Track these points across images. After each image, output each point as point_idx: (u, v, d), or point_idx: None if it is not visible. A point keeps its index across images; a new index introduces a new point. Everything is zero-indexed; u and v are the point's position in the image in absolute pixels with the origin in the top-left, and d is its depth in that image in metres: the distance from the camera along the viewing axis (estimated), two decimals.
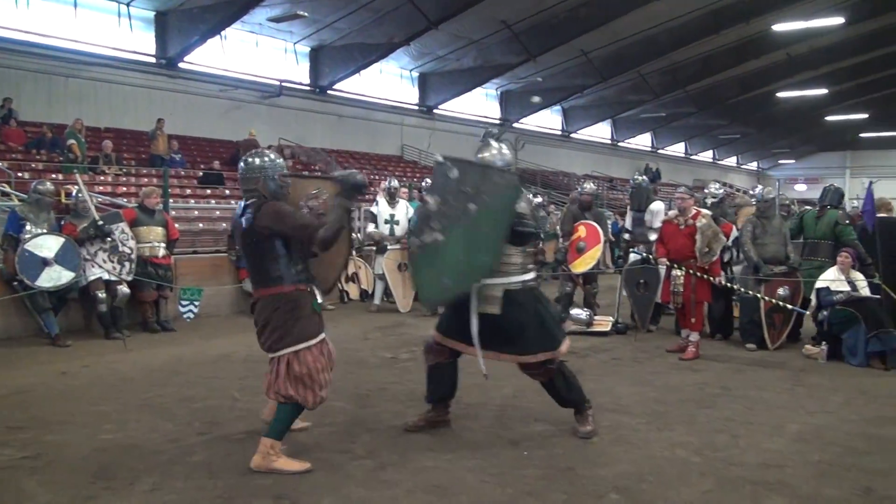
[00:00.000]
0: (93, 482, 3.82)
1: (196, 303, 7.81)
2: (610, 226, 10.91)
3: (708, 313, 7.86)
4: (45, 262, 7.37)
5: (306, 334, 3.99)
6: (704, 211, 7.65)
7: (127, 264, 8.03)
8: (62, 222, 8.10)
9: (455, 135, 24.85)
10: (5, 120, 15.04)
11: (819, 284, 7.27)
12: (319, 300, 4.12)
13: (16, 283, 7.45)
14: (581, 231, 8.63)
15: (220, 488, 3.74)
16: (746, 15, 22.36)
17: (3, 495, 3.69)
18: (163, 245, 8.51)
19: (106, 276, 7.90)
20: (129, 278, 8.03)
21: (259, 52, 20.84)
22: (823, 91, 30.37)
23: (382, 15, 19.28)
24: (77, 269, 7.61)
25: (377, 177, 18.42)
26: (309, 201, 4.33)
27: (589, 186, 9.55)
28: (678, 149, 40.11)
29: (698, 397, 5.67)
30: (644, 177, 10.16)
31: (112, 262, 7.95)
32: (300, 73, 21.80)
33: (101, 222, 7.85)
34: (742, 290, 7.60)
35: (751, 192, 11.80)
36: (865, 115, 35.55)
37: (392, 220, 9.92)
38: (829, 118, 36.83)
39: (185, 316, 7.81)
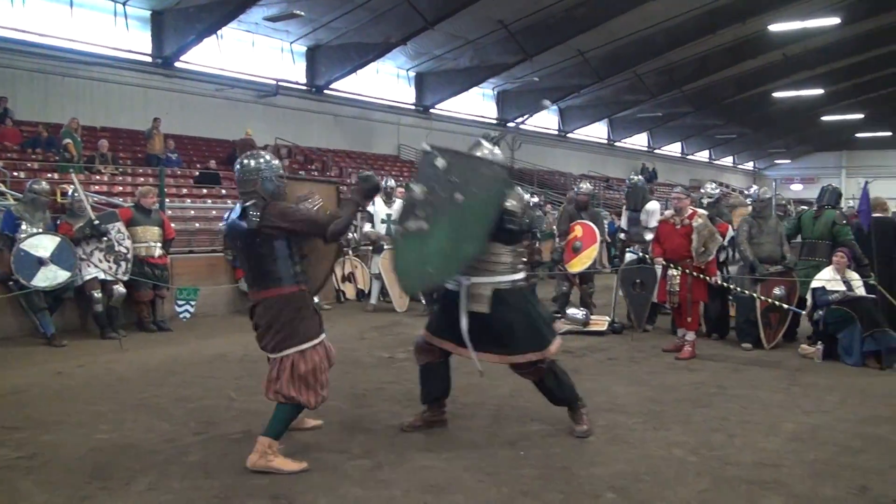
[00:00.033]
0: (89, 482, 3.82)
1: (192, 302, 7.80)
2: (606, 225, 10.94)
3: (704, 313, 7.86)
4: (40, 262, 7.35)
5: (311, 333, 4.03)
6: (701, 211, 7.66)
7: (123, 264, 8.01)
8: (58, 222, 8.09)
9: (452, 134, 24.81)
10: (1, 119, 15.01)
11: (815, 284, 7.28)
12: (316, 300, 4.13)
13: (11, 283, 7.44)
14: (577, 231, 8.65)
15: (217, 488, 3.74)
16: (743, 15, 22.39)
17: None
18: (159, 245, 8.50)
19: (102, 276, 7.89)
20: (126, 278, 8.02)
21: (255, 52, 20.81)
22: (819, 91, 30.43)
23: (379, 14, 19.26)
24: (73, 268, 7.59)
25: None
26: (300, 203, 4.35)
27: (585, 186, 9.58)
28: (675, 149, 40.16)
29: (694, 397, 5.68)
30: (640, 176, 10.18)
31: (108, 261, 7.94)
32: (297, 73, 21.78)
33: (97, 222, 7.84)
34: (738, 289, 7.61)
35: (745, 192, 11.82)
36: (861, 116, 35.62)
37: (388, 220, 9.91)
38: (825, 118, 36.89)
39: (181, 316, 7.80)
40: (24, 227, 7.62)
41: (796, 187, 43.29)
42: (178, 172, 16.15)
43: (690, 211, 7.38)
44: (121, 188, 13.86)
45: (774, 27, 22.55)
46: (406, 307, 10.02)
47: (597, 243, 8.58)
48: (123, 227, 8.11)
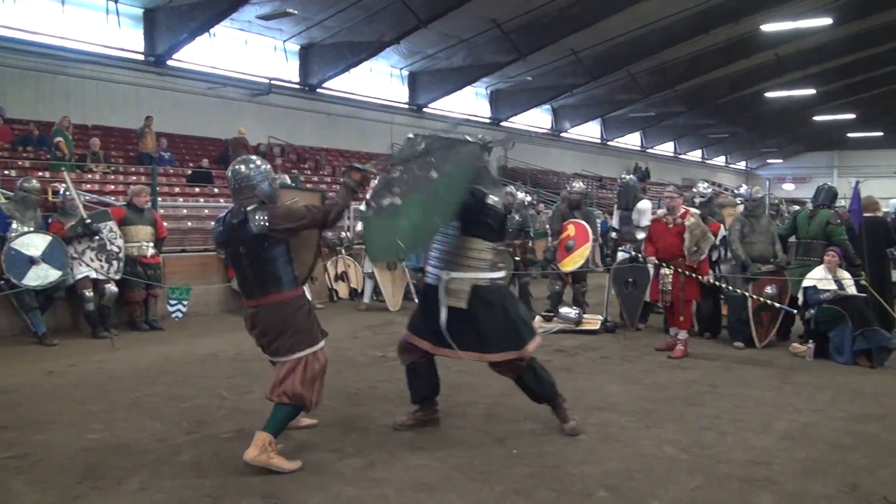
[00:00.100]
0: (80, 482, 3.80)
1: (184, 302, 7.79)
2: (599, 225, 10.96)
3: (696, 312, 7.89)
4: (31, 261, 7.31)
5: (318, 334, 4.10)
6: (693, 210, 7.68)
7: (115, 263, 7.99)
8: (49, 220, 8.06)
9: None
10: None
11: (806, 283, 7.31)
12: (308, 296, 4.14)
13: (2, 282, 7.40)
14: (570, 230, 8.66)
15: (209, 487, 3.73)
16: (735, 15, 22.44)
17: None
18: (151, 245, 8.48)
19: (93, 275, 7.86)
20: (117, 277, 7.99)
21: (248, 50, 20.72)
22: (811, 91, 30.52)
23: (372, 13, 19.23)
24: (64, 267, 7.56)
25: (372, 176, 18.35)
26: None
27: (578, 185, 9.59)
28: (667, 148, 40.22)
29: (686, 395, 5.69)
30: (632, 175, 10.20)
31: (100, 260, 7.91)
32: (290, 72, 21.70)
33: (88, 220, 7.81)
34: (730, 288, 7.64)
35: (734, 191, 11.85)
36: (853, 116, 35.77)
37: None
38: (816, 118, 37.01)
39: (173, 315, 7.79)
40: (14, 225, 7.60)
41: (788, 187, 43.44)
42: (171, 171, 16.08)
43: (683, 210, 7.39)
44: (113, 187, 13.79)
45: (767, 27, 22.61)
46: (399, 306, 10.01)
47: (589, 242, 8.61)
48: (115, 226, 8.08)
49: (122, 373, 6.26)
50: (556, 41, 22.40)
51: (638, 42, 24.13)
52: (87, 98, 17.42)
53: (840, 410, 5.32)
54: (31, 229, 7.60)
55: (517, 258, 9.60)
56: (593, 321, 8.52)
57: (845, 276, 7.29)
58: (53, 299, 7.89)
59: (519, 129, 28.42)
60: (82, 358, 6.85)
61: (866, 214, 7.83)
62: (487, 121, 27.58)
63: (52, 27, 16.62)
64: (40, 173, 12.67)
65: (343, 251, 11.19)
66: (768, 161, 47.54)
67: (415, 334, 4.58)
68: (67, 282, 7.74)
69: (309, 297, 4.24)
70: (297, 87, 21.94)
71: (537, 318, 8.68)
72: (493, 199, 4.38)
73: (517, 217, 9.78)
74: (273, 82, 20.95)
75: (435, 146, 4.33)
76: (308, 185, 13.72)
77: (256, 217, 3.92)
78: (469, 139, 4.42)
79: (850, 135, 40.95)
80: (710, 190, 9.06)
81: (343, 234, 11.62)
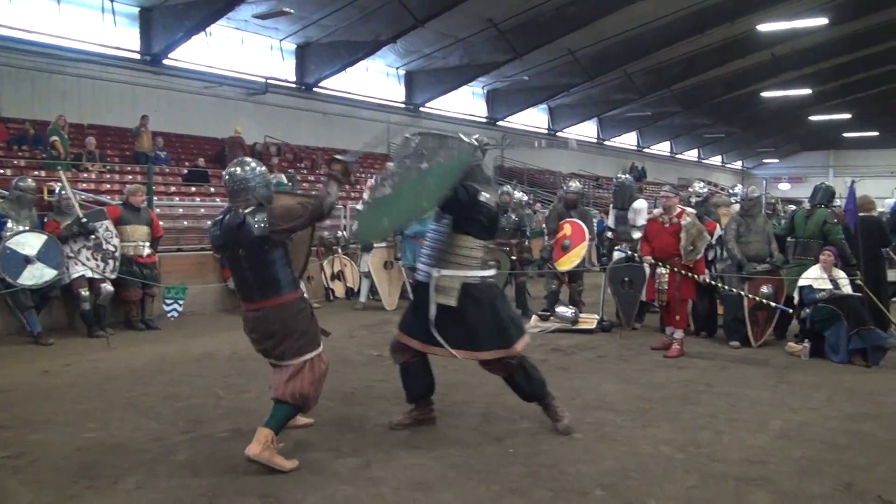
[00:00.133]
0: (76, 481, 3.80)
1: (180, 301, 7.77)
2: (595, 224, 10.97)
3: (692, 311, 7.90)
4: (27, 260, 7.29)
5: (319, 336, 4.11)
6: (689, 209, 7.70)
7: (111, 262, 7.97)
8: (45, 219, 8.03)
9: None
10: None
11: (802, 282, 7.32)
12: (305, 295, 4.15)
13: None
14: (566, 229, 8.68)
15: (205, 486, 3.73)
16: (731, 15, 22.47)
17: None
18: (147, 244, 8.46)
19: (89, 274, 7.84)
20: (113, 276, 7.98)
21: (244, 49, 20.70)
22: (807, 91, 30.60)
23: (369, 12, 19.21)
24: (60, 266, 7.54)
25: (363, 175, 18.35)
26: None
27: (574, 185, 9.60)
28: (663, 148, 40.28)
29: (682, 394, 5.70)
30: (628, 175, 10.22)
31: (96, 259, 7.89)
32: (286, 71, 21.68)
33: (84, 220, 7.80)
34: (726, 287, 7.65)
35: (730, 191, 11.87)
36: (849, 115, 35.85)
37: None
38: (812, 118, 37.10)
39: (169, 314, 7.77)
40: (10, 224, 7.57)
41: (784, 186, 43.54)
42: (167, 170, 16.05)
43: (679, 209, 7.41)
44: (108, 186, 13.76)
45: (763, 27, 22.66)
46: (395, 305, 10.01)
47: (586, 241, 8.63)
48: (111, 226, 8.06)
49: (118, 372, 6.25)
50: (553, 41, 22.41)
51: (634, 42, 24.17)
52: (83, 97, 17.38)
53: (835, 409, 5.33)
54: (27, 228, 7.58)
55: (514, 257, 9.60)
56: (590, 320, 8.53)
57: (841, 275, 7.31)
58: (49, 298, 7.87)
59: (516, 128, 28.44)
60: (78, 357, 6.84)
61: (862, 214, 7.85)
62: (484, 120, 27.59)
63: (48, 26, 16.58)
64: (36, 172, 12.64)
65: (339, 250, 11.19)
66: (764, 161, 47.64)
67: (405, 333, 4.58)
68: (63, 281, 7.72)
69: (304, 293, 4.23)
70: (294, 86, 21.92)
71: (534, 317, 8.71)
72: (485, 196, 4.41)
73: (514, 216, 9.80)
74: (269, 81, 20.92)
75: (428, 142, 4.39)
76: (304, 186, 13.71)
77: (256, 219, 3.89)
78: (463, 138, 4.44)
79: (845, 135, 41.07)
80: (705, 189, 9.07)
81: (339, 233, 11.62)
